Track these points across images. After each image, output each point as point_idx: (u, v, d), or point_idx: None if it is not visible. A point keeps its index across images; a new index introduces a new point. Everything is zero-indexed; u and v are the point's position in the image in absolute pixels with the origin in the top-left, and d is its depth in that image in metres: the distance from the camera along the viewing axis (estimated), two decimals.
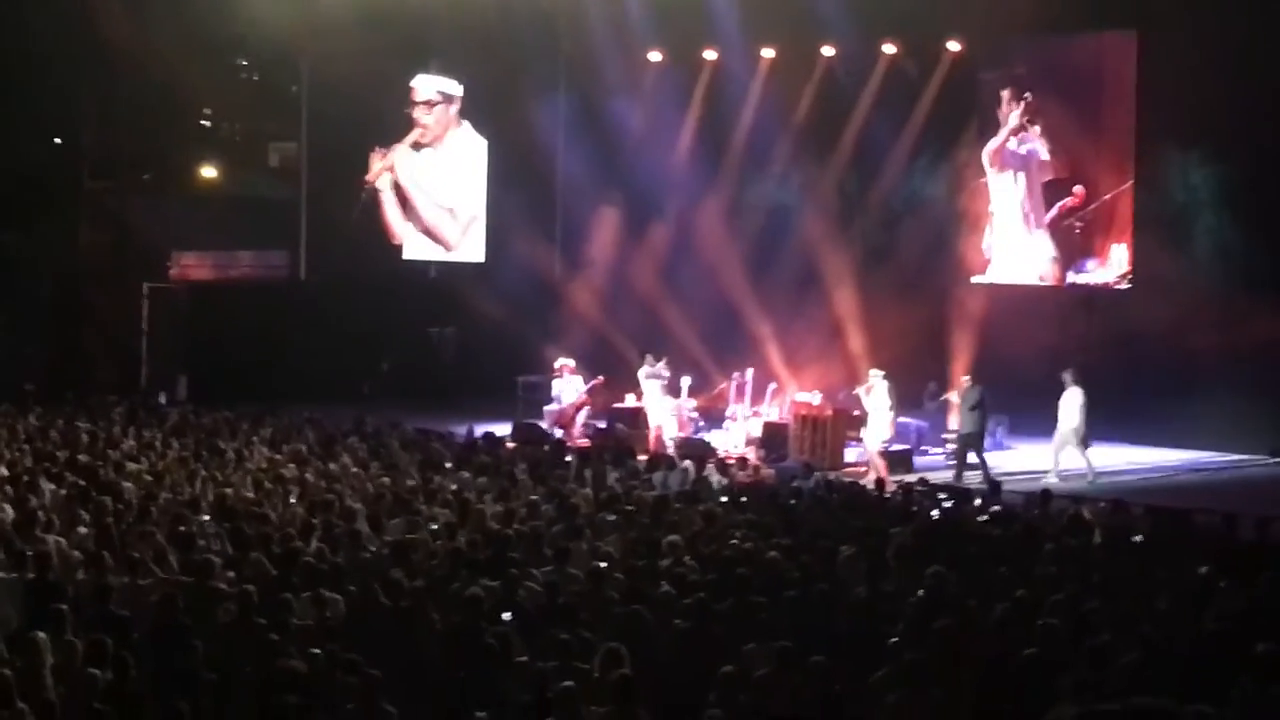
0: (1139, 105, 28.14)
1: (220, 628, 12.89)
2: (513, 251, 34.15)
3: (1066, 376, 25.52)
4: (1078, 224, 29.01)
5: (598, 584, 14.00)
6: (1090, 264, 29.06)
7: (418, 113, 35.23)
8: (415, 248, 35.87)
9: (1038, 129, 29.31)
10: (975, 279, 30.14)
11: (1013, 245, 29.92)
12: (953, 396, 25.92)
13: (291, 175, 35.79)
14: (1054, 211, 29.25)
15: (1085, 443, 25.21)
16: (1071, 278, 29.20)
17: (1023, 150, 29.64)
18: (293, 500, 18.75)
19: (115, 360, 33.64)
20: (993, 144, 29.86)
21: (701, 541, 16.34)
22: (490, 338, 32.58)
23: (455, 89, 35.20)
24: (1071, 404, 25.25)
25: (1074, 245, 29.19)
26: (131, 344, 33.71)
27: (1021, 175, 29.68)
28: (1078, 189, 28.86)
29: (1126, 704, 2.10)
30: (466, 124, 35.47)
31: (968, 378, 26.09)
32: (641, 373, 27.98)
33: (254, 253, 35.72)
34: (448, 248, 35.73)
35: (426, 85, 35.16)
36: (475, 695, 11.08)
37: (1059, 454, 25.24)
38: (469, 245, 35.69)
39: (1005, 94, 29.72)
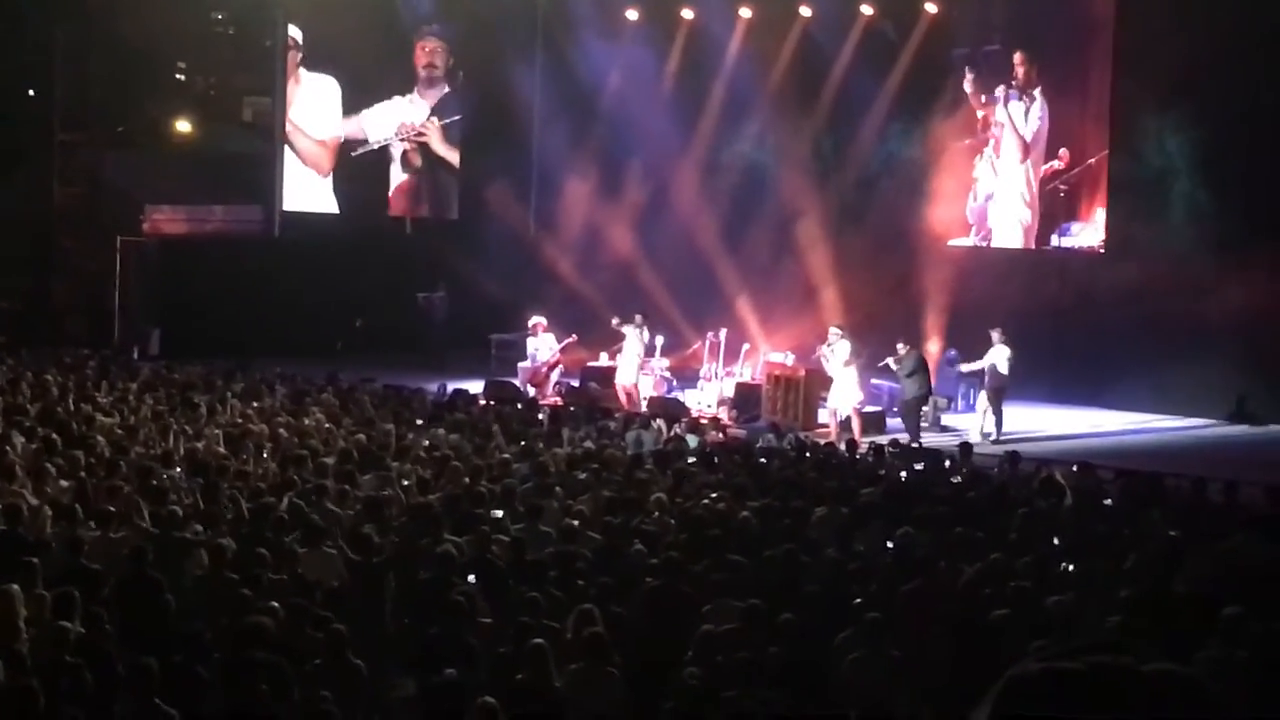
0: (1115, 69, 28.16)
1: (191, 581, 12.91)
2: (487, 210, 34.08)
3: (994, 334, 25.77)
4: (1062, 187, 29.01)
5: (569, 541, 14.04)
6: (1074, 227, 29.10)
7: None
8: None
9: (1029, 91, 29.23)
10: (954, 242, 30.15)
11: (999, 209, 29.90)
12: (891, 363, 25.79)
13: (265, 130, 35.66)
14: (1040, 174, 29.23)
15: (1000, 402, 25.60)
16: (1055, 241, 29.23)
17: (1011, 113, 29.58)
18: (265, 455, 18.75)
19: (87, 314, 33.56)
20: (982, 107, 29.79)
21: (674, 501, 16.40)
22: (464, 295, 32.52)
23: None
24: (999, 360, 25.53)
25: (1058, 208, 29.21)
26: (104, 298, 33.58)
27: (1011, 138, 29.62)
28: (1063, 152, 28.84)
29: (1088, 661, 2.11)
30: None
31: (903, 345, 25.89)
32: (629, 330, 27.57)
33: (227, 207, 35.58)
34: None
35: None
36: (445, 651, 11.11)
37: (985, 411, 25.58)
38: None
39: (990, 57, 29.67)
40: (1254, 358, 26.45)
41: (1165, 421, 27.11)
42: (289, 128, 35.32)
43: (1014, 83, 29.33)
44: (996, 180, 29.88)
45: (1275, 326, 26.25)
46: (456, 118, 35.13)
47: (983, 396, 26.19)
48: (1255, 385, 26.80)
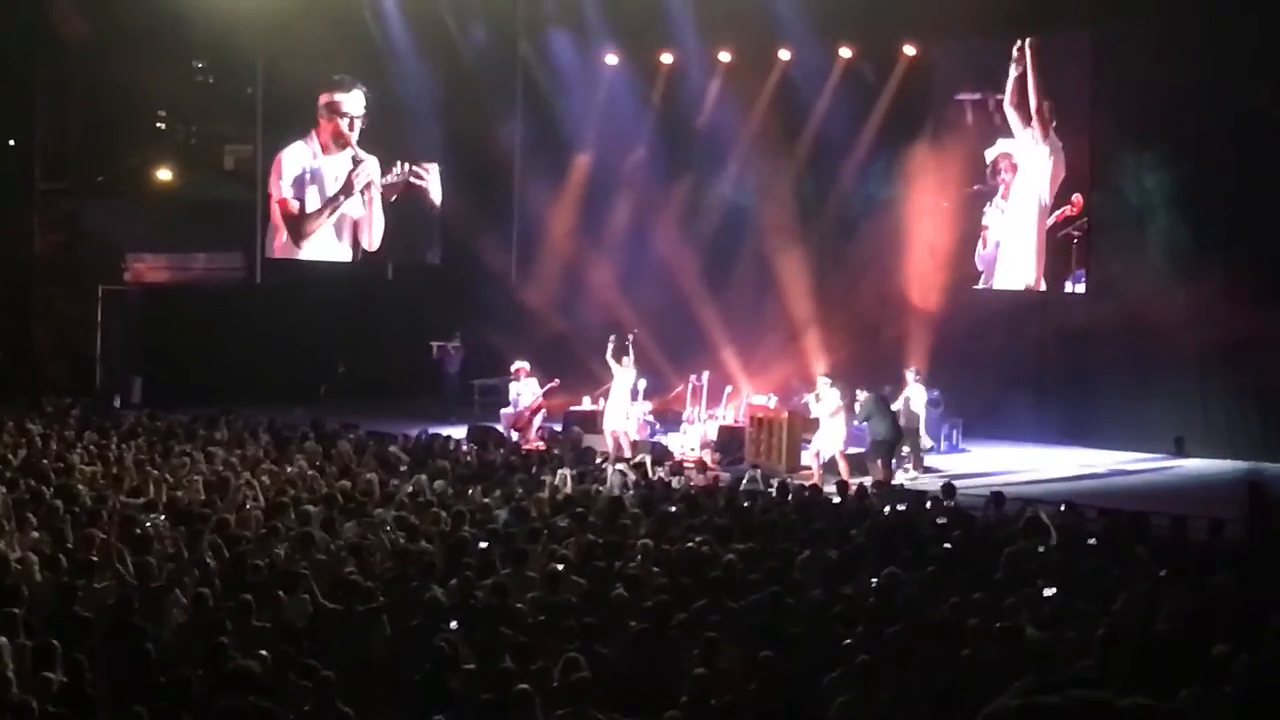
0: (1092, 107, 28.26)
1: (175, 629, 12.87)
2: (470, 255, 34.09)
3: (908, 374, 25.83)
4: (1075, 233, 28.91)
5: (553, 587, 14.02)
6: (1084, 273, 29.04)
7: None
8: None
9: (1038, 133, 29.20)
10: (978, 287, 30.09)
11: (1007, 253, 29.80)
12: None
13: (247, 178, 35.66)
14: (1052, 219, 29.09)
15: (916, 440, 25.97)
16: (1070, 288, 29.09)
17: (1023, 155, 29.52)
18: (248, 504, 18.71)
19: (69, 363, 33.48)
20: (994, 149, 29.77)
21: (658, 544, 16.37)
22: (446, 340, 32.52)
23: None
24: (913, 399, 25.75)
25: (1070, 255, 29.02)
26: (85, 345, 33.52)
27: (1023, 181, 29.54)
28: (1076, 197, 28.80)
29: (1065, 696, 2.12)
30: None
31: (861, 390, 25.73)
32: (620, 368, 27.43)
33: (209, 255, 35.56)
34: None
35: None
36: (432, 697, 11.08)
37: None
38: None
39: (990, 102, 29.73)
40: (1241, 392, 26.55)
41: (1150, 461, 27.13)
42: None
43: (1030, 126, 29.25)
44: (1005, 226, 29.75)
45: (1265, 363, 26.30)
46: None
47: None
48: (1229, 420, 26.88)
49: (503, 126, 34.50)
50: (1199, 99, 26.34)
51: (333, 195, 34.99)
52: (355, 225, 35.10)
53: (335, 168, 34.91)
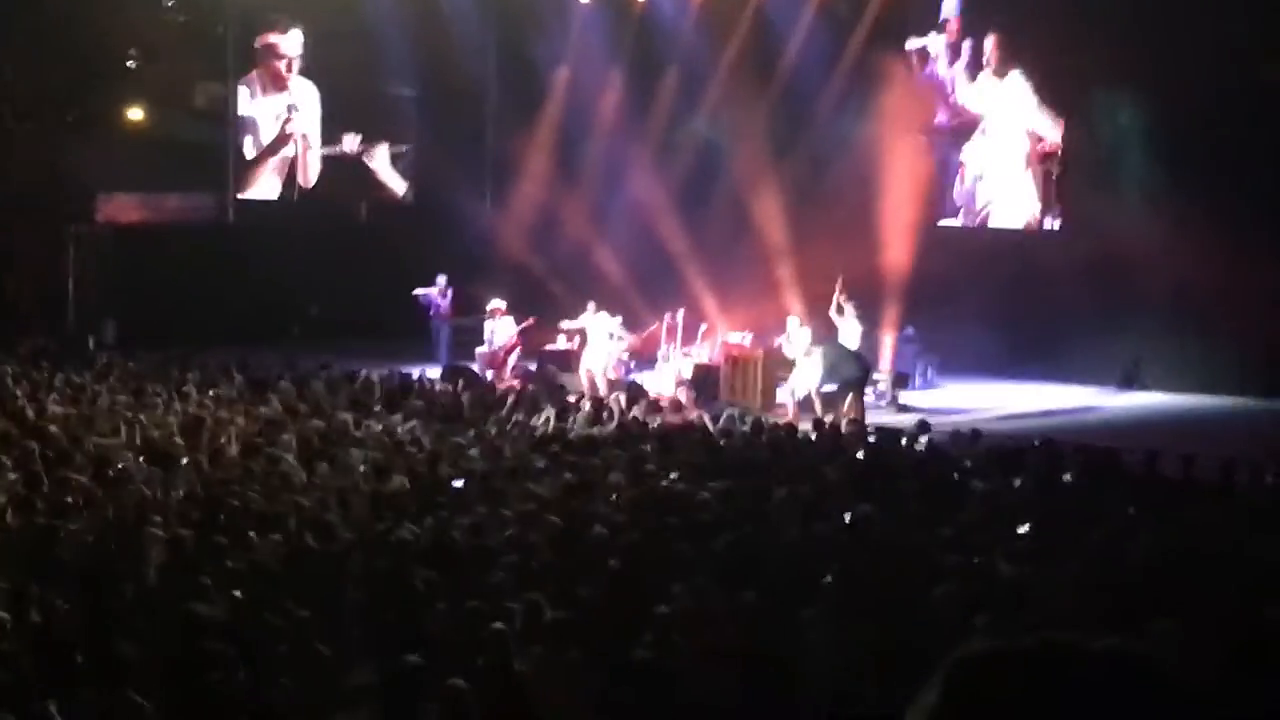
0: (1067, 44, 28.22)
1: (150, 571, 12.85)
2: (442, 193, 34.00)
3: (847, 305, 25.60)
4: (1055, 169, 28.93)
5: (528, 526, 14.03)
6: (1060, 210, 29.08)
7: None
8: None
9: (1014, 70, 29.16)
10: (943, 222, 30.12)
11: (994, 190, 29.82)
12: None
13: (218, 117, 35.47)
14: (1032, 156, 29.12)
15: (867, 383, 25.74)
16: (1050, 224, 29.14)
17: (997, 94, 29.51)
18: (222, 442, 18.68)
19: (41, 304, 33.32)
20: (969, 87, 29.73)
21: (633, 483, 16.40)
22: (419, 279, 32.38)
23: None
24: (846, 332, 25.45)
25: (1049, 191, 29.06)
26: (58, 287, 33.38)
27: (1001, 119, 29.52)
28: (1055, 132, 28.79)
29: (1037, 638, 2.11)
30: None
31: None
32: (589, 320, 27.55)
33: (182, 195, 35.40)
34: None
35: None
36: (404, 638, 11.08)
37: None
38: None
39: (964, 39, 29.72)
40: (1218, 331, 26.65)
41: (1129, 397, 27.28)
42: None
43: (987, 65, 29.24)
44: (983, 163, 29.79)
45: (1237, 302, 26.37)
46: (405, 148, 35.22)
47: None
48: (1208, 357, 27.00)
49: (475, 65, 34.34)
50: (1174, 37, 26.30)
51: (269, 144, 35.00)
52: (291, 164, 35.16)
53: (272, 110, 34.91)
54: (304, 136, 34.89)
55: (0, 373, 23.68)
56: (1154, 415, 25.83)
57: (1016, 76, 29.16)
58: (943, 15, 30.34)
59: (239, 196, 34.92)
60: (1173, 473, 17.79)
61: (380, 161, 35.38)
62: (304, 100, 34.87)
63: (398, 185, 35.77)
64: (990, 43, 29.38)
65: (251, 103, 34.71)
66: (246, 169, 34.84)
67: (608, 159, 33.22)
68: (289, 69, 34.68)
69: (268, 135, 34.88)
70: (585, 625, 11.28)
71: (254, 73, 34.67)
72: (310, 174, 35.11)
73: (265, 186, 35.17)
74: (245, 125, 34.83)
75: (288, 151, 35.06)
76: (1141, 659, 2.33)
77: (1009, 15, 29.35)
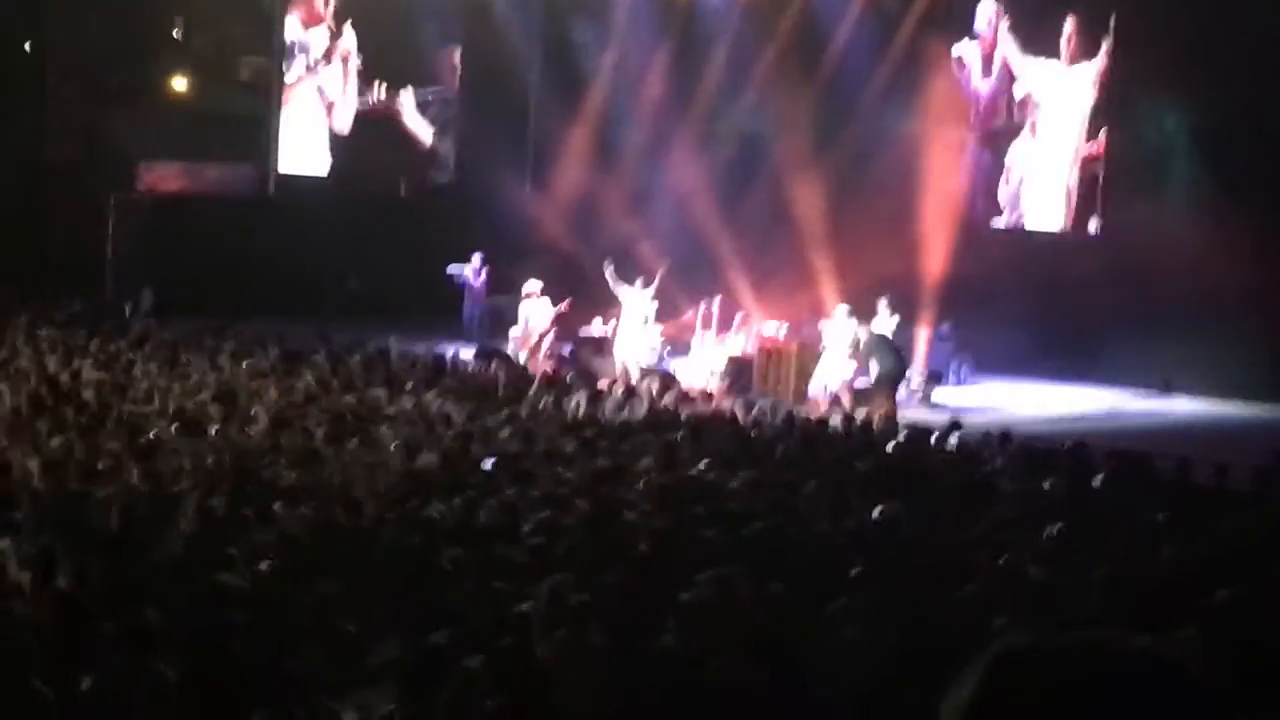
0: (1114, 49, 28.11)
1: (180, 540, 12.87)
2: (482, 175, 34.03)
3: (881, 304, 25.47)
4: (1099, 171, 28.80)
5: (558, 509, 14.02)
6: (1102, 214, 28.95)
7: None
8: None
9: (1072, 68, 29.00)
10: (999, 225, 30.00)
11: (1036, 192, 29.69)
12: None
13: (262, 89, 35.56)
14: (1079, 157, 28.99)
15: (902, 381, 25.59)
16: (1094, 227, 29.01)
17: (1049, 91, 29.36)
18: (254, 414, 18.72)
19: (80, 271, 33.44)
20: (1020, 85, 29.61)
21: (663, 471, 16.38)
22: (457, 260, 32.42)
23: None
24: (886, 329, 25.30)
25: (1095, 194, 28.90)
26: (97, 255, 33.50)
27: (1051, 118, 29.38)
28: (1102, 135, 28.65)
29: (1077, 635, 2.12)
30: None
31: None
32: (626, 290, 27.48)
33: (221, 166, 35.50)
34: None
35: None
36: (429, 616, 11.08)
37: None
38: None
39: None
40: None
41: (1163, 401, 27.15)
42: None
43: (1061, 54, 28.98)
44: (1031, 162, 29.65)
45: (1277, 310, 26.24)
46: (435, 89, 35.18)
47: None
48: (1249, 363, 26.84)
49: (520, 50, 34.36)
50: (1223, 41, 26.16)
51: (310, 65, 35.30)
52: (330, 107, 35.27)
53: (317, 37, 35.13)
54: (344, 59, 34.99)
55: (36, 338, 23.79)
56: (1188, 421, 25.71)
57: (1087, 67, 28.95)
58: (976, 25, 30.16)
59: (280, 170, 35.01)
60: (1205, 480, 17.69)
61: (407, 108, 35.37)
62: (344, 40, 35.11)
63: (425, 133, 35.75)
64: (1070, 25, 29.10)
65: (298, 30, 34.95)
66: (286, 91, 34.98)
67: (650, 144, 33.20)
68: (326, 5, 34.87)
69: (313, 58, 35.18)
70: (610, 610, 11.27)
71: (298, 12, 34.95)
72: (345, 117, 35.20)
73: (299, 109, 35.28)
74: (290, 50, 35.05)
75: (327, 82, 35.17)
76: (1172, 662, 2.34)
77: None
